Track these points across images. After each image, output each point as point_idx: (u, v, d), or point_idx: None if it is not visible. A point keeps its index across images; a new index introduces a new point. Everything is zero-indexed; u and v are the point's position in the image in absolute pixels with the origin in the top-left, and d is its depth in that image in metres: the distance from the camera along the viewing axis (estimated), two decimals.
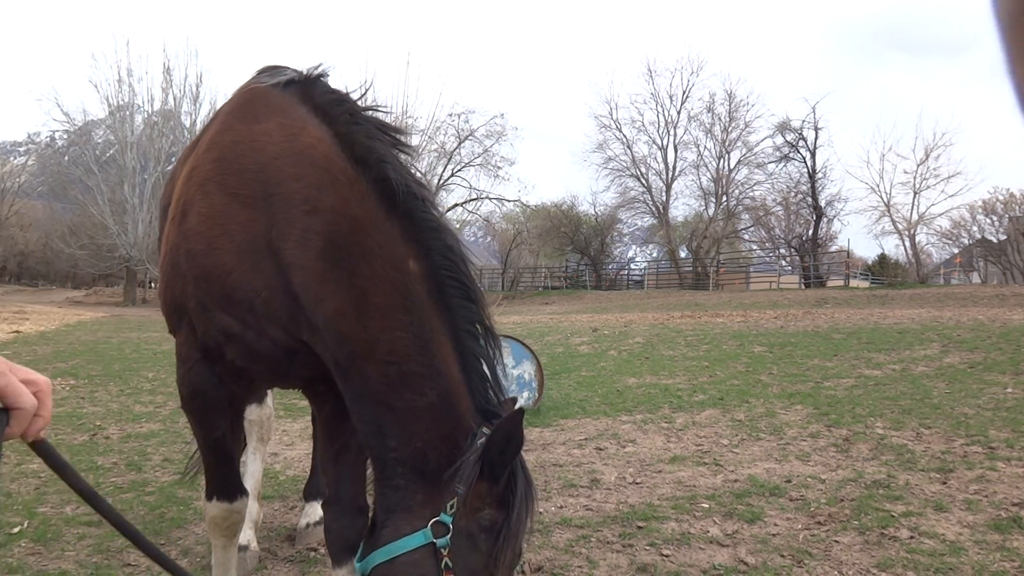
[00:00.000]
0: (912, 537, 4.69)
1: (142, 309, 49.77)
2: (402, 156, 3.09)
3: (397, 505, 2.66)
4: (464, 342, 2.75)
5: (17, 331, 24.93)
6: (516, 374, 9.78)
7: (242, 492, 3.51)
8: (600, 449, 7.40)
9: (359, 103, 3.22)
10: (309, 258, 2.89)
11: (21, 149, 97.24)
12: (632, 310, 30.43)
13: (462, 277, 2.81)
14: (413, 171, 3.10)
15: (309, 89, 3.22)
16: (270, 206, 3.01)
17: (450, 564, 2.48)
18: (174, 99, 56.68)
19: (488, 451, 2.49)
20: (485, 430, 2.59)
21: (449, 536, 2.50)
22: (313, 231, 2.89)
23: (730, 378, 11.36)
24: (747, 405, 9.06)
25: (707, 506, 5.46)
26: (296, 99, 3.19)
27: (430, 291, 2.77)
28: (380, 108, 3.29)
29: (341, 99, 3.18)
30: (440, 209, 3.06)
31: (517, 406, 2.66)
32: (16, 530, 5.40)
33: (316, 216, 2.89)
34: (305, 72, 3.33)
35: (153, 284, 66.81)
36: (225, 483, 3.47)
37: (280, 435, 8.39)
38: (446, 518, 2.52)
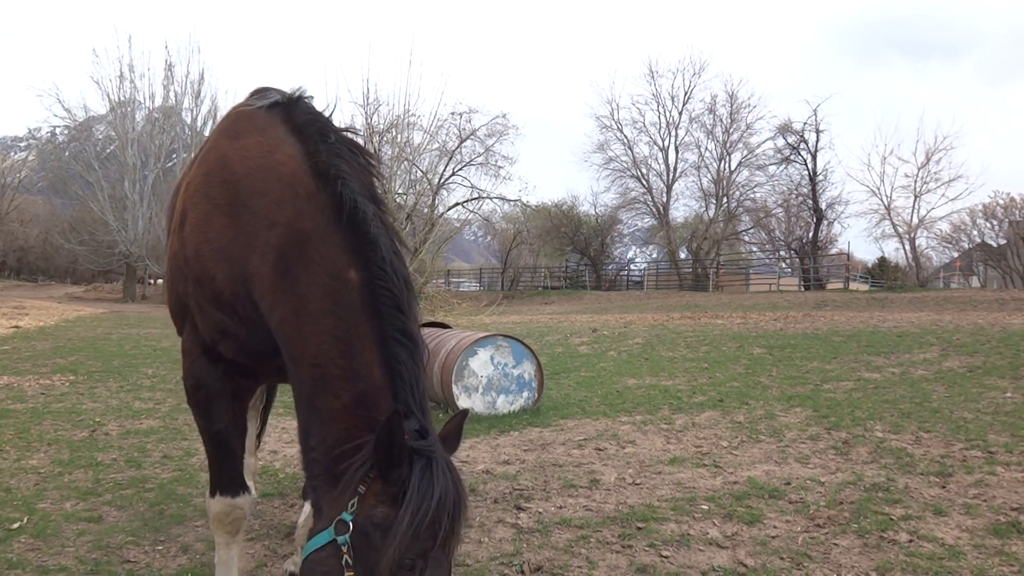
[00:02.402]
0: (911, 540, 4.70)
1: (142, 305, 49.76)
2: (367, 173, 3.32)
3: (317, 503, 2.86)
4: (390, 348, 2.88)
5: (16, 326, 24.92)
6: (516, 374, 9.79)
7: (244, 489, 3.61)
8: (600, 450, 7.41)
9: (333, 123, 3.48)
10: (265, 269, 3.16)
11: (22, 144, 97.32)
12: (632, 311, 30.44)
13: (393, 287, 2.97)
14: (377, 186, 3.35)
15: (290, 110, 3.50)
16: (241, 217, 3.32)
17: (350, 561, 2.63)
18: (175, 95, 56.64)
19: (376, 452, 2.60)
20: (405, 436, 2.68)
21: (349, 534, 2.65)
22: (270, 244, 3.17)
23: (730, 380, 11.37)
24: (747, 407, 9.07)
25: (706, 507, 5.47)
26: (278, 119, 3.47)
27: (364, 300, 2.95)
28: (352, 129, 3.55)
29: (316, 119, 3.44)
30: (392, 222, 3.25)
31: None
32: (16, 526, 5.40)
33: (273, 230, 3.18)
34: (288, 93, 3.62)
35: (153, 281, 66.87)
36: (228, 478, 3.58)
37: (279, 433, 8.40)
38: (347, 516, 2.66)
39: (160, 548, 5.09)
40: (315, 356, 2.97)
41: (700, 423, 8.38)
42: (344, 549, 2.68)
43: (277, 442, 8.06)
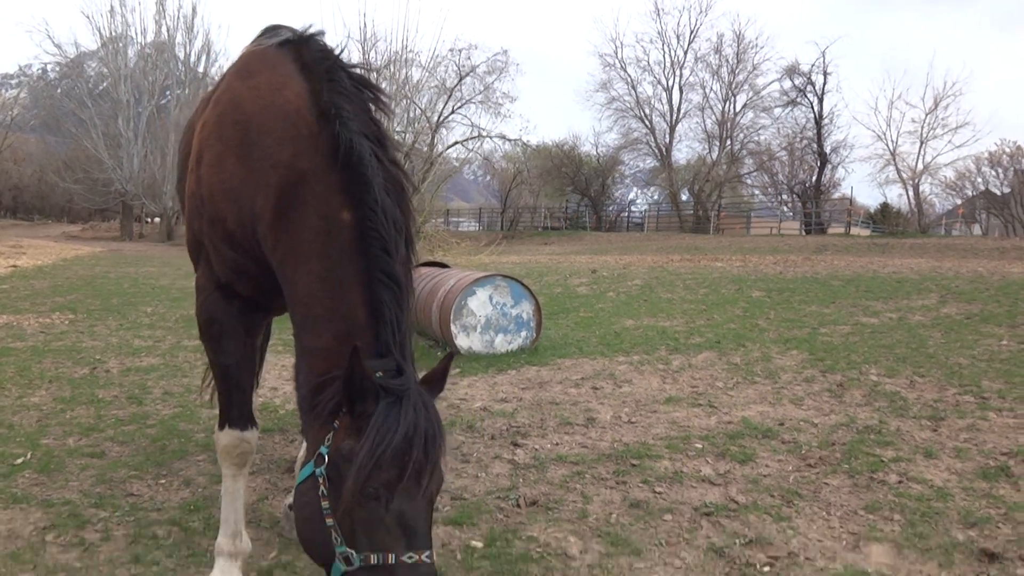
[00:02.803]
0: (900, 482, 4.78)
1: (139, 244, 49.74)
2: (377, 111, 3.33)
3: (305, 439, 3.01)
4: (374, 290, 2.94)
5: (14, 265, 24.93)
6: (514, 314, 9.84)
7: (252, 423, 3.70)
8: (596, 388, 7.49)
9: (343, 60, 3.43)
10: (267, 209, 3.21)
11: (13, 82, 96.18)
12: (631, 252, 30.45)
13: (382, 229, 3.00)
14: (384, 123, 3.36)
15: (300, 48, 3.47)
16: (251, 157, 3.34)
17: (325, 492, 2.77)
18: (167, 30, 55.74)
19: (343, 387, 2.71)
20: (380, 374, 2.79)
21: (324, 466, 2.79)
22: (272, 184, 3.20)
23: (727, 322, 11.43)
24: (743, 349, 9.13)
25: (700, 446, 5.55)
26: (288, 57, 3.45)
27: (353, 241, 2.99)
28: (364, 66, 3.46)
29: (325, 57, 3.41)
30: (394, 161, 3.26)
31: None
32: (19, 461, 5.48)
33: (275, 171, 3.21)
34: (299, 31, 3.60)
35: (150, 219, 66.69)
36: (237, 412, 3.66)
37: (279, 370, 8.47)
38: (323, 449, 2.80)
39: (163, 482, 5.17)
40: (304, 296, 3.06)
41: (697, 364, 8.45)
42: (320, 480, 2.81)
43: (277, 379, 8.13)
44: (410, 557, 2.75)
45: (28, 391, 7.59)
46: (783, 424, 5.98)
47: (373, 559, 2.74)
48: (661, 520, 4.40)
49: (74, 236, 56.23)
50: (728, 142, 55.11)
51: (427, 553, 2.80)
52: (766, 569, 3.78)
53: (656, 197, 64.85)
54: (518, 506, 4.69)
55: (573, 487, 4.94)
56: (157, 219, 63.08)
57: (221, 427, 3.68)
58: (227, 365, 3.66)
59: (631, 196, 67.73)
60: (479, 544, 4.17)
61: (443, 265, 12.72)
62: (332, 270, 3.00)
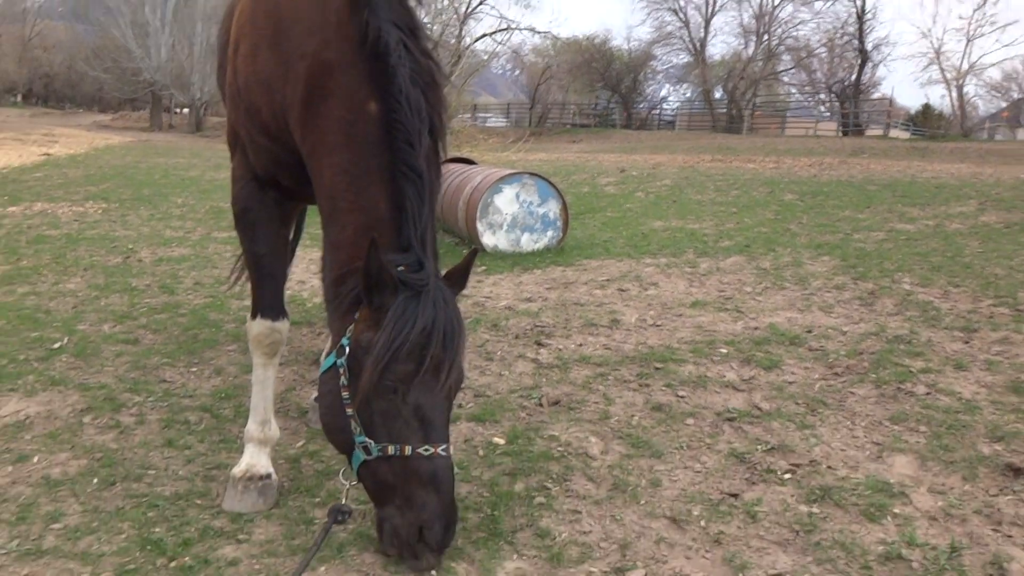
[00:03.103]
0: (928, 393, 4.75)
1: (168, 135, 49.70)
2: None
3: (329, 328, 3.10)
4: (398, 184, 2.93)
5: (47, 154, 25.05)
6: (541, 212, 9.79)
7: (284, 314, 3.74)
8: (622, 290, 7.48)
9: None
10: (297, 101, 3.18)
11: None
12: (662, 151, 30.05)
13: (406, 121, 2.96)
14: (419, 11, 3.20)
15: None
16: (281, 48, 3.29)
17: (344, 382, 2.88)
18: None
19: (362, 280, 2.77)
20: (402, 268, 2.83)
21: (345, 356, 2.88)
22: (300, 76, 3.16)
23: (758, 225, 11.30)
24: (773, 254, 9.05)
25: (725, 351, 5.55)
26: None
27: (378, 133, 2.97)
28: None
29: None
30: (425, 51, 3.18)
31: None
32: (57, 346, 5.60)
33: (303, 61, 3.16)
34: None
35: (179, 110, 66.40)
36: (269, 302, 3.70)
37: (307, 263, 8.52)
38: (344, 340, 2.89)
39: (194, 370, 5.28)
40: (329, 188, 3.07)
41: (725, 268, 8.39)
42: (341, 371, 2.90)
43: (304, 272, 8.19)
44: (426, 450, 2.83)
45: (64, 278, 7.72)
46: (811, 331, 5.96)
47: (390, 450, 2.84)
48: (683, 424, 4.44)
49: (105, 125, 56.19)
50: (765, 37, 53.37)
51: (443, 447, 2.87)
52: (787, 476, 3.82)
53: (688, 95, 63.53)
54: (540, 405, 4.75)
55: (596, 388, 4.98)
56: (186, 110, 62.79)
57: (253, 316, 3.73)
58: (260, 254, 3.68)
59: (662, 93, 66.33)
60: (501, 441, 4.24)
61: (470, 161, 12.62)
62: (356, 163, 2.99)
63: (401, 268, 2.83)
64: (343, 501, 3.14)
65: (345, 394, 2.91)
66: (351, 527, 3.29)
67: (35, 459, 3.92)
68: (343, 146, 3.02)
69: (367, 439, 2.88)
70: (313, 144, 3.13)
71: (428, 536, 2.87)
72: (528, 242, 9.74)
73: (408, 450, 2.83)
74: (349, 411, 2.92)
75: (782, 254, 9.00)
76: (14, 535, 3.24)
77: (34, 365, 5.20)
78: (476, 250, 3.12)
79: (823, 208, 12.73)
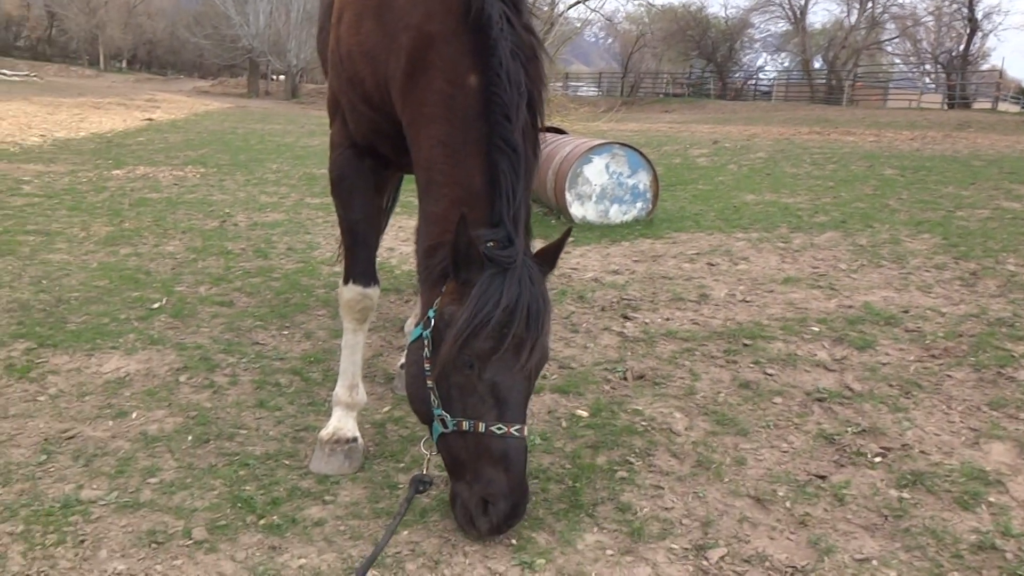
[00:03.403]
0: None
1: (265, 101, 50.77)
2: None
3: (420, 298, 3.13)
4: (493, 157, 2.91)
5: (150, 119, 25.88)
6: (631, 183, 9.68)
7: (375, 281, 3.79)
8: (712, 264, 7.36)
9: None
10: (399, 73, 3.18)
11: None
12: (757, 123, 29.39)
13: (504, 94, 2.94)
14: None
15: None
16: (384, 19, 3.29)
17: (426, 353, 2.91)
18: None
19: (450, 254, 2.79)
20: (491, 243, 2.82)
21: (430, 328, 2.91)
22: (403, 47, 3.16)
23: (855, 200, 10.96)
24: (871, 230, 8.78)
25: (817, 329, 5.42)
26: None
27: (477, 106, 2.95)
28: None
29: None
30: (527, 26, 3.14)
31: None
32: (156, 306, 5.81)
33: (406, 33, 3.15)
34: None
35: (276, 77, 67.70)
36: (362, 268, 3.75)
37: (396, 231, 8.62)
38: (431, 312, 2.92)
39: (286, 333, 5.41)
40: (426, 160, 3.07)
41: (819, 244, 8.18)
42: (426, 342, 2.95)
43: (393, 240, 8.29)
44: (499, 428, 2.84)
45: (163, 240, 7.98)
46: (908, 311, 5.77)
47: (464, 425, 2.87)
48: (771, 402, 4.36)
49: (204, 91, 57.75)
50: (869, 5, 51.54)
51: (517, 427, 2.87)
52: (877, 460, 3.72)
53: (786, 64, 61.93)
54: (625, 379, 4.72)
55: (682, 363, 4.93)
56: (282, 77, 64.01)
57: (345, 282, 3.78)
58: (355, 221, 3.72)
59: (759, 62, 65.05)
60: (584, 413, 4.24)
61: (560, 131, 12.55)
62: (452, 135, 2.98)
63: (491, 244, 2.83)
64: (424, 471, 3.18)
65: (427, 366, 2.95)
66: (434, 493, 3.34)
67: (134, 415, 4.08)
68: (442, 118, 3.02)
69: (444, 412, 2.92)
70: (413, 115, 3.14)
71: (492, 512, 2.90)
72: (617, 214, 9.66)
73: (481, 427, 2.85)
74: (430, 383, 2.96)
75: (880, 231, 8.72)
76: (113, 487, 3.38)
77: (134, 324, 5.41)
78: (570, 229, 3.09)
79: (925, 184, 12.27)
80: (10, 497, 3.27)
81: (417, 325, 3.05)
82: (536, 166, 3.12)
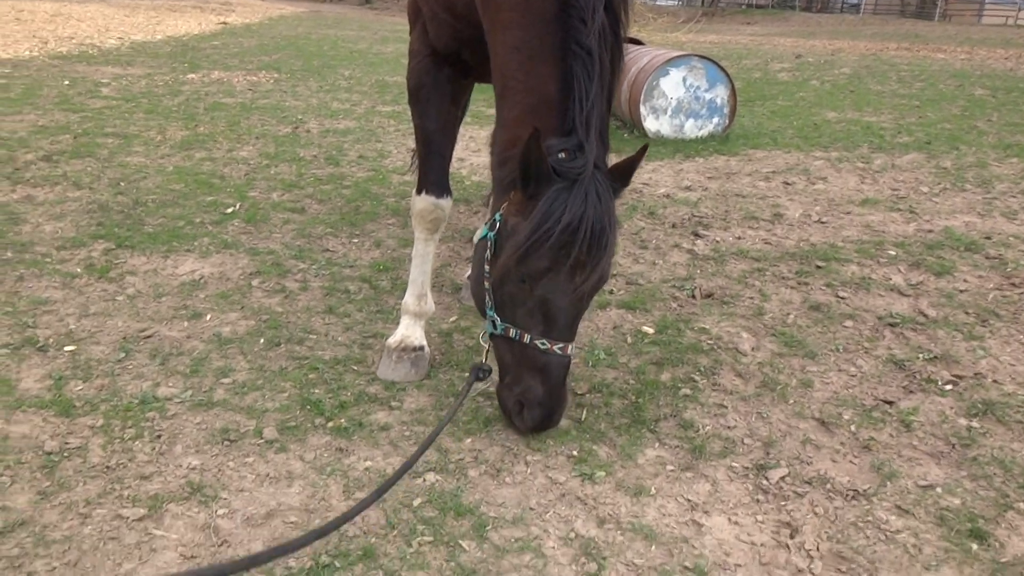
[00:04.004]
0: None
1: (338, 6, 50.41)
2: None
3: (492, 201, 3.15)
4: (567, 63, 2.83)
5: (224, 23, 25.95)
6: (708, 98, 9.43)
7: (447, 192, 3.78)
8: (787, 184, 7.19)
9: None
10: None
11: None
12: (843, 37, 28.26)
13: None
14: None
15: None
16: None
17: (488, 255, 2.94)
18: None
19: (520, 168, 2.73)
20: (562, 154, 2.78)
21: (495, 232, 2.93)
22: None
23: (942, 121, 10.54)
24: (956, 152, 8.45)
25: (894, 253, 5.28)
26: None
27: (554, 10, 2.85)
28: None
29: None
30: None
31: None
32: (230, 210, 5.91)
33: None
34: None
35: None
36: (435, 178, 3.75)
37: (467, 141, 8.58)
38: (498, 216, 2.91)
39: (355, 241, 5.47)
40: (501, 66, 3.02)
41: (901, 165, 7.91)
42: (488, 244, 2.97)
43: (464, 151, 8.26)
44: (543, 344, 2.87)
45: (237, 145, 8.08)
46: (990, 238, 5.58)
47: (511, 332, 2.93)
48: (841, 326, 4.28)
49: None
50: None
51: (561, 345, 2.89)
52: (947, 387, 3.65)
53: None
54: (693, 297, 4.68)
55: (752, 283, 4.86)
56: None
57: (418, 192, 3.78)
58: (431, 130, 3.71)
59: None
60: (650, 330, 4.22)
61: (637, 42, 12.23)
62: (528, 41, 2.91)
63: (562, 153, 2.79)
64: (483, 360, 3.23)
65: (487, 267, 2.98)
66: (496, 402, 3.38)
67: (208, 317, 4.20)
68: (517, 24, 2.94)
69: (495, 315, 2.99)
70: (491, 21, 3.07)
71: (526, 415, 3.03)
72: (692, 128, 9.44)
73: (527, 338, 2.90)
74: (487, 285, 3.00)
75: (966, 153, 8.39)
76: (188, 386, 3.50)
77: (209, 228, 5.52)
78: (646, 147, 3.00)
79: (1017, 105, 11.72)
80: (91, 392, 3.42)
81: (485, 225, 3.07)
82: (616, 73, 3.03)
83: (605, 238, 2.75)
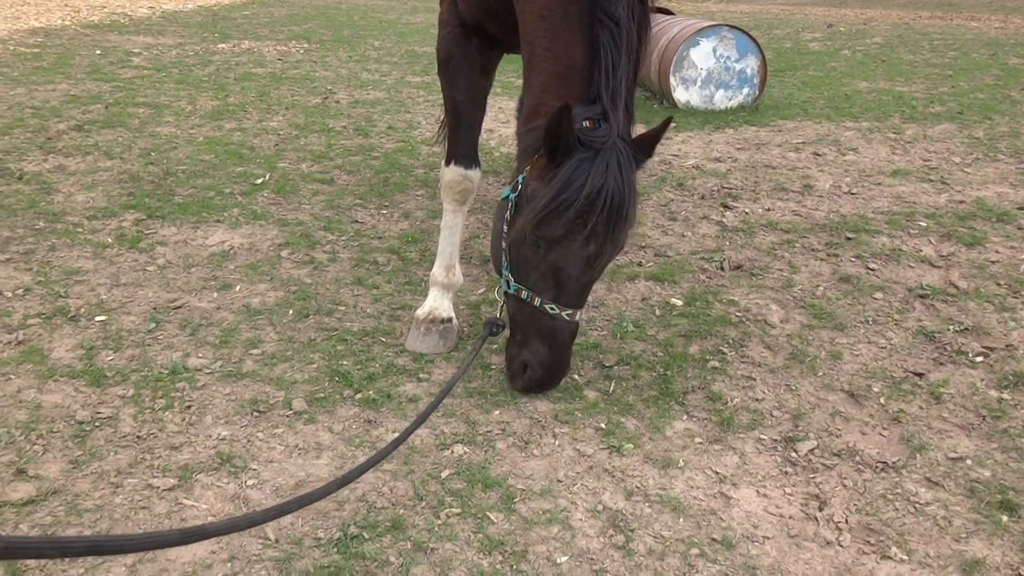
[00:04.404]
0: None
1: None
2: None
3: (516, 164, 3.13)
4: (593, 31, 2.84)
5: None
6: (738, 68, 9.32)
7: (476, 163, 3.80)
8: (818, 155, 7.11)
9: None
10: None
11: None
12: (875, 6, 27.75)
13: None
14: None
15: None
16: None
17: (508, 216, 2.98)
18: None
19: (545, 139, 2.73)
20: (586, 123, 2.80)
21: (516, 194, 2.96)
22: None
23: (975, 91, 10.35)
24: (989, 122, 8.31)
25: (924, 224, 5.22)
26: None
27: None
28: None
29: None
30: None
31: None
32: (259, 181, 5.94)
33: None
34: None
35: None
36: (464, 150, 3.77)
37: (496, 112, 8.55)
38: (520, 179, 2.95)
39: (384, 212, 5.49)
40: (529, 34, 3.03)
41: (933, 135, 7.80)
42: (510, 205, 3.01)
43: (493, 121, 8.23)
44: (551, 308, 2.92)
45: (267, 116, 8.10)
46: (1023, 209, 5.50)
47: (523, 294, 2.98)
48: (871, 298, 4.25)
49: None
50: None
51: (569, 312, 2.93)
52: (978, 359, 3.62)
53: None
54: (722, 269, 4.66)
55: (781, 255, 4.83)
56: None
57: (447, 163, 3.80)
58: (460, 101, 3.73)
59: None
60: (679, 302, 4.22)
61: (667, 12, 12.09)
62: (554, 8, 2.92)
63: (586, 122, 2.79)
64: (498, 315, 3.32)
65: (506, 228, 3.03)
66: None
67: (237, 288, 4.24)
68: None
69: (509, 274, 3.05)
70: None
71: (529, 374, 3.12)
72: (722, 99, 9.35)
73: (537, 301, 2.95)
74: (504, 244, 3.05)
75: (999, 123, 8.24)
76: (217, 357, 3.55)
77: (238, 199, 5.56)
78: (670, 119, 2.99)
79: None
80: (121, 362, 3.47)
81: (507, 186, 3.10)
82: (644, 43, 3.02)
83: (624, 209, 2.77)
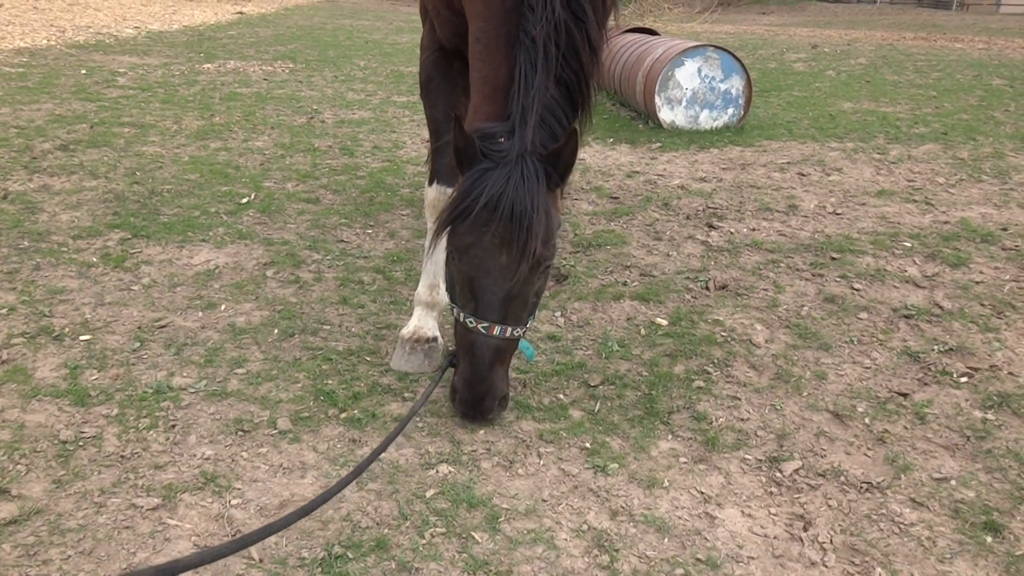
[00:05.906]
0: None
1: None
2: None
3: None
4: (514, 51, 2.90)
5: (240, 12, 25.97)
6: (723, 88, 9.38)
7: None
8: (803, 175, 7.15)
9: None
10: None
11: None
12: (859, 27, 28.04)
13: None
14: None
15: None
16: None
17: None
18: None
19: (453, 154, 2.81)
20: (503, 139, 2.84)
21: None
22: None
23: (958, 112, 10.45)
24: (973, 143, 8.38)
25: (909, 245, 5.26)
26: None
27: (510, 1, 2.91)
28: None
29: None
30: None
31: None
32: (245, 200, 5.93)
33: None
34: None
35: None
36: (447, 169, 3.74)
37: None
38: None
39: (370, 232, 5.48)
40: (470, 56, 3.12)
41: (917, 156, 7.86)
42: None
43: None
44: (471, 321, 2.90)
45: (253, 135, 8.10)
46: (1007, 229, 5.54)
47: (454, 311, 3.02)
48: (856, 318, 4.27)
49: None
50: None
51: (486, 325, 2.88)
52: (963, 380, 3.64)
53: None
54: (707, 288, 4.67)
55: (766, 275, 4.85)
56: None
57: (430, 183, 3.81)
58: (441, 122, 3.79)
59: None
60: (663, 322, 4.22)
61: (652, 32, 12.18)
62: (487, 30, 3.00)
63: (502, 138, 2.83)
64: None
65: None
66: (511, 395, 3.39)
67: (222, 307, 4.22)
68: (481, 14, 3.03)
69: (448, 293, 3.10)
70: (469, 14, 3.16)
71: (458, 398, 3.09)
72: (707, 119, 9.40)
73: (461, 316, 2.95)
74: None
75: (983, 144, 8.32)
76: (202, 376, 3.53)
77: (224, 218, 5.54)
78: (575, 130, 2.86)
79: None
80: (106, 381, 3.44)
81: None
82: (580, 56, 2.94)
83: (527, 219, 2.72)
